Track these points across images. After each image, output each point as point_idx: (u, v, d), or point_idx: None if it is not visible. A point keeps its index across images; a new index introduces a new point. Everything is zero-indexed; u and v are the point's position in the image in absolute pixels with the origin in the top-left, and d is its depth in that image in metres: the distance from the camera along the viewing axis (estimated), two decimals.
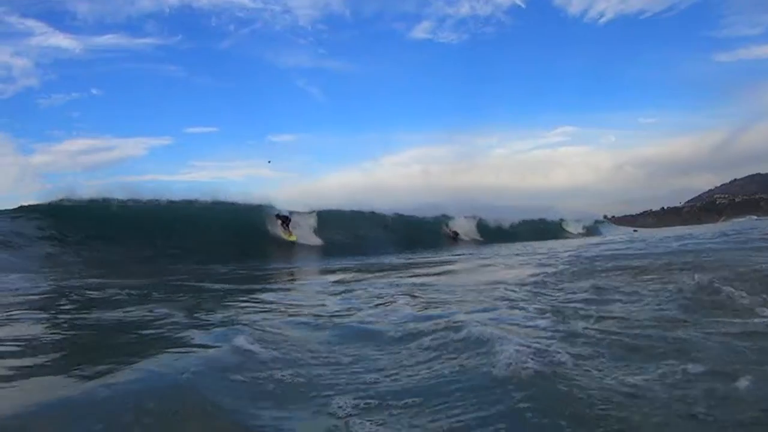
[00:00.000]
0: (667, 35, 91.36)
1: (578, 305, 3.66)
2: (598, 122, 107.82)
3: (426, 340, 2.67)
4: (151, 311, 3.80)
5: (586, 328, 2.86)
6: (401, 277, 6.81)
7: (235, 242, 13.63)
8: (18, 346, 2.69)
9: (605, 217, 42.83)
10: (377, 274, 7.63)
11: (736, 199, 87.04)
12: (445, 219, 21.79)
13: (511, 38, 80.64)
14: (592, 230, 33.65)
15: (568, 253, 9.57)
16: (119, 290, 5.39)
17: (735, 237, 9.44)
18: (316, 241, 16.49)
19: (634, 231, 35.49)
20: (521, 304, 3.80)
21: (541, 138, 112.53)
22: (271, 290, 5.89)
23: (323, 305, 4.23)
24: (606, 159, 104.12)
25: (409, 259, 11.86)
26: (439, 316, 3.30)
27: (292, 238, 15.76)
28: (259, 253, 13.51)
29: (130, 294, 5.11)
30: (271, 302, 4.51)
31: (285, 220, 16.15)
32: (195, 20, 69.78)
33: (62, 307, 4.23)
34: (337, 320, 3.41)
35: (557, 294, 4.27)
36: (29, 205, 13.73)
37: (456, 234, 20.95)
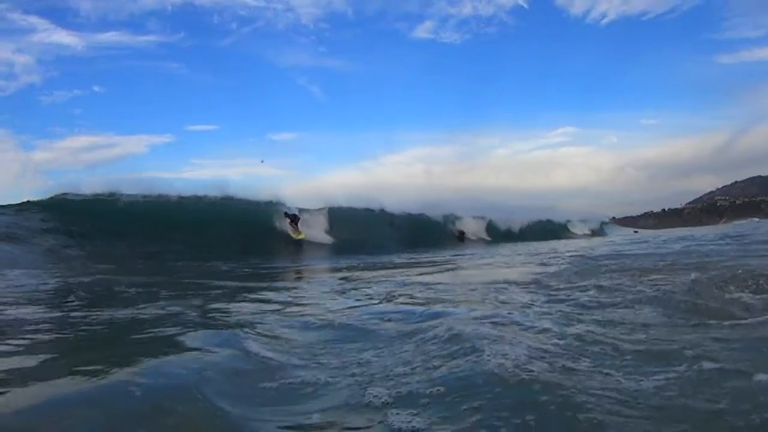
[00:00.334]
0: (669, 37, 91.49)
1: (576, 305, 3.70)
2: (600, 123, 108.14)
3: (416, 341, 2.69)
4: (162, 309, 3.82)
5: (588, 331, 2.88)
6: (408, 276, 6.84)
7: (243, 239, 13.54)
8: (23, 344, 2.71)
9: (611, 218, 42.85)
10: (382, 272, 7.66)
11: (737, 201, 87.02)
12: (451, 219, 21.76)
13: (514, 39, 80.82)
14: (597, 231, 33.67)
15: (571, 254, 9.59)
16: (126, 287, 5.42)
17: (738, 239, 9.46)
18: (325, 238, 16.36)
19: (635, 232, 35.51)
20: (519, 304, 3.82)
21: (543, 138, 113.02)
22: (278, 289, 5.92)
23: (331, 303, 4.26)
24: (607, 160, 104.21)
25: (414, 258, 11.89)
26: (437, 315, 3.33)
27: (301, 237, 15.60)
28: (266, 250, 13.49)
29: (138, 291, 5.14)
30: (278, 301, 4.54)
31: (294, 218, 15.95)
32: (197, 18, 69.94)
33: (70, 304, 4.26)
34: (344, 320, 3.43)
35: (558, 294, 4.29)
36: (37, 201, 13.74)
37: (462, 233, 20.95)
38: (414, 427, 1.64)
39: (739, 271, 4.66)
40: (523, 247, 14.70)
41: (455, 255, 12.96)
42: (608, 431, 1.55)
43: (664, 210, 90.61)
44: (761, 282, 3.97)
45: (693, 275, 4.46)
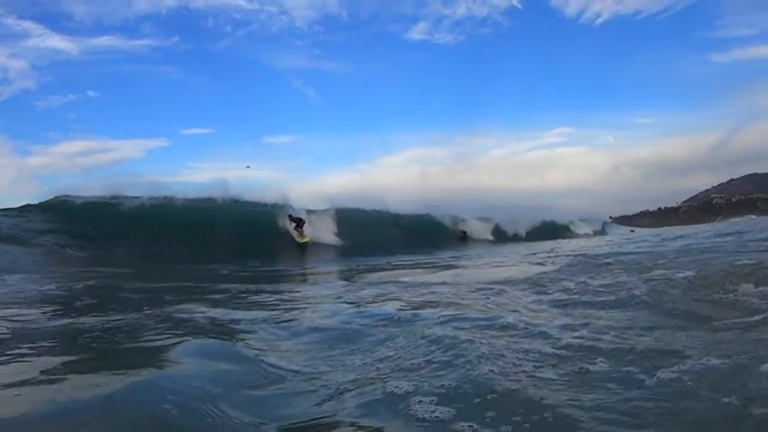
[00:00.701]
0: (663, 36, 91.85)
1: (570, 303, 3.73)
2: (595, 123, 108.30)
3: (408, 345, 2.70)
4: (167, 313, 3.82)
5: (586, 324, 2.90)
6: (408, 277, 6.85)
7: (248, 242, 13.36)
8: (27, 350, 2.71)
9: (610, 218, 43.09)
10: (383, 273, 7.68)
11: (733, 199, 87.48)
12: (455, 219, 21.69)
13: (508, 39, 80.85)
14: (599, 231, 33.75)
15: (570, 253, 9.64)
16: (130, 293, 5.42)
17: (738, 236, 9.52)
18: (329, 239, 15.95)
19: (632, 231, 35.65)
20: (515, 304, 3.85)
21: (538, 139, 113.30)
22: (280, 291, 5.92)
23: (330, 307, 4.27)
24: (603, 159, 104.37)
25: (414, 259, 11.89)
26: (426, 318, 3.36)
27: (305, 240, 15.05)
28: (268, 252, 13.32)
29: (141, 296, 5.14)
30: (271, 307, 4.54)
31: (299, 221, 15.42)
32: (192, 21, 69.75)
33: (72, 310, 4.25)
34: (339, 325, 3.43)
35: (556, 292, 4.32)
36: (38, 204, 13.67)
37: (464, 234, 20.94)
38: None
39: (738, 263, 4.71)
40: (524, 248, 14.72)
41: (458, 255, 12.98)
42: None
43: (660, 209, 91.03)
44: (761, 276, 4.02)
45: (691, 272, 4.50)
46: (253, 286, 6.05)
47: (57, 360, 2.47)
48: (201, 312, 3.83)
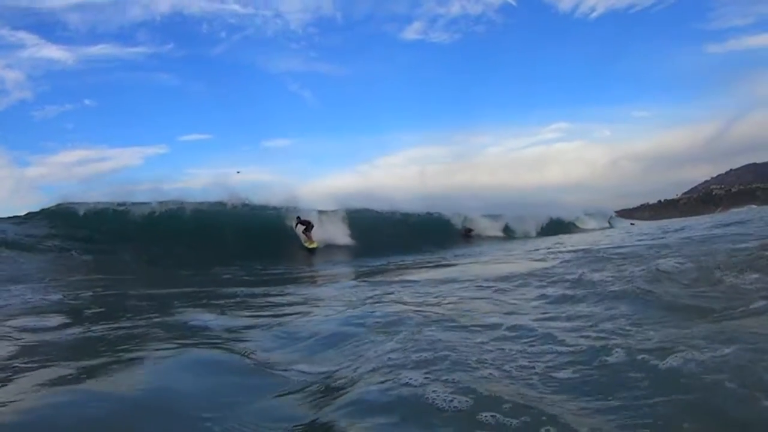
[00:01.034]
0: (658, 28, 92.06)
1: (576, 297, 3.77)
2: (592, 117, 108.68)
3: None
4: (170, 320, 3.85)
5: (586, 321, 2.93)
6: (417, 275, 6.90)
7: (253, 244, 13.24)
8: (35, 360, 2.74)
9: (615, 212, 43.02)
10: (386, 275, 7.72)
11: (733, 189, 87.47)
12: (461, 217, 21.64)
13: (503, 36, 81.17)
14: (606, 226, 33.66)
15: (573, 247, 9.67)
16: (138, 300, 5.45)
17: (740, 226, 9.55)
18: (338, 240, 15.54)
19: (632, 224, 35.61)
20: (516, 300, 3.88)
21: (536, 135, 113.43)
22: (286, 294, 5.96)
23: (332, 311, 4.30)
24: (601, 153, 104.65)
25: (418, 259, 11.92)
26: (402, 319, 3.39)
27: (313, 246, 14.24)
28: (276, 254, 13.10)
29: (149, 303, 5.17)
30: (284, 311, 4.58)
31: (307, 225, 14.58)
32: (186, 27, 69.98)
33: (86, 317, 4.29)
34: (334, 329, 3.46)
35: (559, 287, 4.36)
36: (40, 210, 13.68)
37: (469, 231, 20.91)
38: None
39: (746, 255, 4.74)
40: (531, 244, 14.72)
41: (463, 253, 12.96)
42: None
43: (659, 201, 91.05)
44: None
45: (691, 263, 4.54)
46: (259, 290, 6.09)
47: (65, 369, 2.51)
48: (207, 319, 3.87)
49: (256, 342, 3.09)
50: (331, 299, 5.09)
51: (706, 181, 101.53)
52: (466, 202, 23.22)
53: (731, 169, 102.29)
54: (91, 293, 5.94)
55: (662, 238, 9.47)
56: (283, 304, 4.77)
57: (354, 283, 6.71)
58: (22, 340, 3.21)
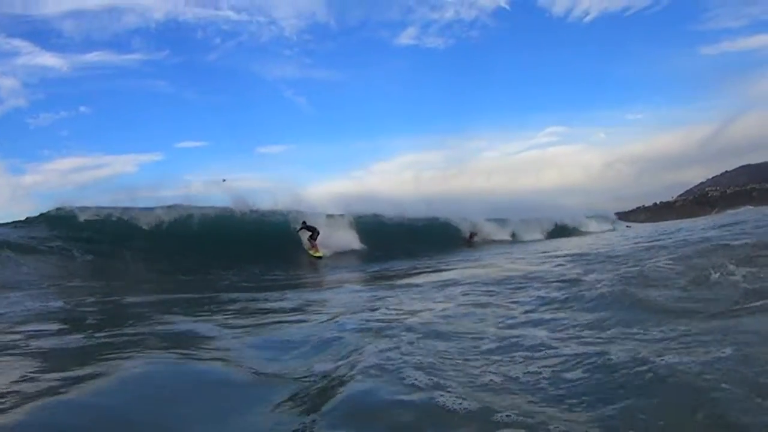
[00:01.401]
0: (652, 31, 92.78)
1: (570, 298, 3.80)
2: (587, 121, 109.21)
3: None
4: (173, 326, 3.85)
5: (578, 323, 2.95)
6: (419, 279, 6.91)
7: (254, 249, 12.99)
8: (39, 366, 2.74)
9: (616, 215, 43.10)
10: (389, 281, 7.73)
11: (728, 191, 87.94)
12: (461, 222, 21.59)
13: (497, 41, 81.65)
14: (609, 229, 33.64)
15: (573, 251, 9.73)
16: (140, 307, 5.44)
17: (736, 227, 9.63)
18: (348, 246, 15.29)
19: (627, 227, 35.71)
20: (509, 303, 3.91)
21: (531, 139, 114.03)
22: (284, 300, 5.97)
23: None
24: (596, 157, 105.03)
25: (418, 266, 11.92)
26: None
27: (318, 254, 13.56)
28: (278, 259, 12.79)
29: (148, 310, 5.17)
30: (288, 319, 4.57)
31: (313, 231, 13.99)
32: (181, 34, 70.12)
33: (88, 323, 4.29)
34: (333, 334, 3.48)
35: (553, 290, 4.38)
36: (39, 214, 13.56)
37: (472, 236, 20.88)
38: None
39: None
40: (532, 248, 14.72)
41: (467, 258, 12.93)
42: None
43: (655, 204, 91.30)
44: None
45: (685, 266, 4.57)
46: (260, 295, 6.09)
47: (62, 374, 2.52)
48: (204, 327, 3.86)
49: (251, 350, 3.07)
50: (331, 304, 5.10)
51: (701, 183, 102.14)
52: (470, 206, 23.14)
53: (726, 171, 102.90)
54: (93, 299, 5.92)
55: (659, 240, 9.53)
56: (283, 310, 4.77)
57: (356, 288, 6.72)
58: (29, 347, 3.21)
